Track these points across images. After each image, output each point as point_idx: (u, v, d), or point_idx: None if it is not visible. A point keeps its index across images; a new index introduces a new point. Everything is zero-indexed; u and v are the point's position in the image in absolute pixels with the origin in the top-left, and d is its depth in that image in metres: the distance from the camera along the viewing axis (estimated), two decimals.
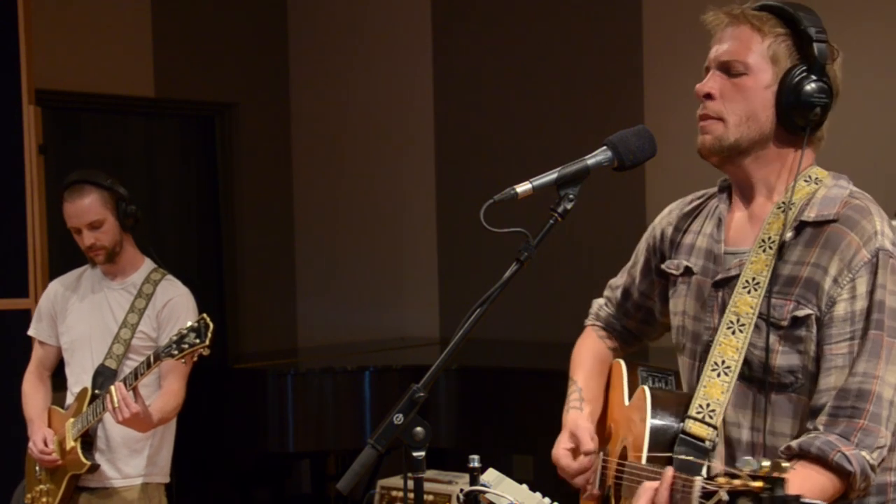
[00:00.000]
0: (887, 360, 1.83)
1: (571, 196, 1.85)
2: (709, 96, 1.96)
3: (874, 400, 1.81)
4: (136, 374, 3.26)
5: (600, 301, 2.40)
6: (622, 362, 2.27)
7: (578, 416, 2.19)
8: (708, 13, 2.00)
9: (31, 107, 4.51)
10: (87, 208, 3.51)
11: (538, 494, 2.14)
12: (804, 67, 1.91)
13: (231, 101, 6.62)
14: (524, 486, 2.18)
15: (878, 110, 4.80)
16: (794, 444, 1.84)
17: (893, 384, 1.83)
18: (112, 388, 3.27)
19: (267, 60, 6.79)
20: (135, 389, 3.26)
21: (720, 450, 1.97)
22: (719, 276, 2.00)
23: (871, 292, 1.84)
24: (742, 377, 1.93)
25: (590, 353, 2.34)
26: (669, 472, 1.71)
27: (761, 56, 1.93)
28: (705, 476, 1.56)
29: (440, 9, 6.34)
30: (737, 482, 1.43)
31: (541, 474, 5.75)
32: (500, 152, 5.99)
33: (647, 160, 1.94)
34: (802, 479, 1.79)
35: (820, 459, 1.80)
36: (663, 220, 2.21)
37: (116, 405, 3.24)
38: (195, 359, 3.21)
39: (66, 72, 5.74)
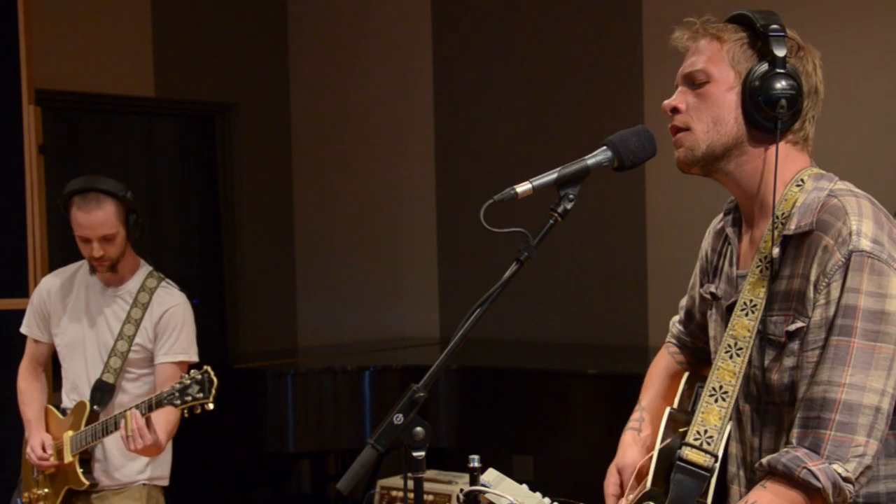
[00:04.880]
0: (867, 365, 1.78)
1: (571, 196, 1.85)
2: (675, 110, 1.96)
3: (840, 409, 1.77)
4: (150, 406, 3.23)
5: (675, 318, 2.36)
6: (685, 377, 2.22)
7: (630, 444, 2.16)
8: (674, 34, 1.99)
9: (31, 107, 4.50)
10: (104, 221, 3.43)
11: (538, 494, 2.14)
12: (765, 64, 1.90)
13: (231, 101, 6.62)
14: (524, 486, 2.17)
15: (879, 109, 4.80)
16: (764, 461, 1.83)
17: (878, 389, 1.78)
18: (128, 414, 3.25)
19: (267, 60, 6.79)
20: (147, 419, 3.24)
21: (741, 475, 1.97)
22: (732, 300, 2.00)
23: (839, 298, 1.80)
24: (752, 400, 1.93)
25: (659, 371, 2.30)
26: None
27: (721, 61, 1.92)
28: None
29: (440, 9, 6.34)
30: None
31: (541, 474, 5.75)
32: (500, 152, 5.99)
33: (647, 160, 1.94)
34: (770, 499, 1.79)
35: (786, 477, 1.78)
36: (705, 242, 2.20)
37: (130, 434, 3.23)
38: (197, 412, 3.20)
39: (66, 72, 5.74)
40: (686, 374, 2.21)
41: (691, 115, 1.94)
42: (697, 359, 2.27)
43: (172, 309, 3.55)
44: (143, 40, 6.15)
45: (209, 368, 3.15)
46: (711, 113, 1.92)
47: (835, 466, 1.76)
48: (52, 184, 4.53)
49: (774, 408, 1.90)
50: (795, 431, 1.82)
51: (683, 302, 2.31)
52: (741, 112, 1.92)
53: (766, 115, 1.90)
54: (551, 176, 1.86)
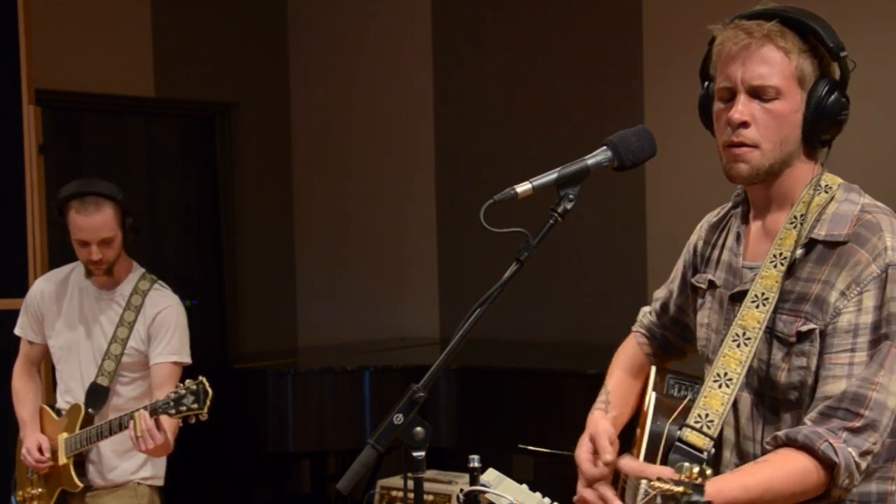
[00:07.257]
0: (891, 371, 1.84)
1: (571, 196, 1.86)
2: (744, 124, 1.92)
3: (870, 405, 1.82)
4: (157, 409, 3.22)
5: (646, 308, 2.40)
6: (654, 368, 2.27)
7: (600, 418, 2.17)
8: (725, 30, 1.93)
9: (31, 107, 4.51)
10: (103, 224, 3.44)
11: (538, 494, 2.15)
12: (828, 85, 1.91)
13: (231, 101, 6.62)
14: (524, 486, 2.18)
15: (884, 111, 4.80)
16: (780, 433, 1.85)
17: (895, 392, 1.84)
18: (136, 415, 3.24)
19: (267, 60, 6.79)
20: (157, 420, 3.24)
21: (734, 461, 1.99)
22: (736, 289, 2.01)
23: (881, 307, 1.84)
24: (753, 392, 1.95)
25: (626, 358, 2.34)
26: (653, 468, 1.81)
27: (791, 78, 1.90)
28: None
29: (440, 9, 6.35)
30: (664, 486, 1.50)
31: (541, 474, 5.74)
32: (500, 152, 5.99)
33: (647, 160, 1.94)
34: (784, 459, 1.82)
35: (806, 447, 1.81)
36: (695, 235, 2.22)
37: (140, 435, 3.22)
38: (192, 422, 3.21)
39: (66, 72, 5.74)
40: (654, 367, 2.26)
41: (761, 133, 1.91)
42: (664, 350, 2.34)
43: (165, 311, 3.56)
44: (143, 40, 6.15)
45: (204, 379, 3.16)
46: (780, 133, 1.92)
47: (851, 450, 1.80)
48: (52, 184, 4.52)
49: (775, 402, 1.93)
50: (813, 415, 1.84)
51: (660, 293, 2.35)
52: (801, 131, 1.93)
53: (826, 135, 1.94)
54: (551, 176, 1.86)
